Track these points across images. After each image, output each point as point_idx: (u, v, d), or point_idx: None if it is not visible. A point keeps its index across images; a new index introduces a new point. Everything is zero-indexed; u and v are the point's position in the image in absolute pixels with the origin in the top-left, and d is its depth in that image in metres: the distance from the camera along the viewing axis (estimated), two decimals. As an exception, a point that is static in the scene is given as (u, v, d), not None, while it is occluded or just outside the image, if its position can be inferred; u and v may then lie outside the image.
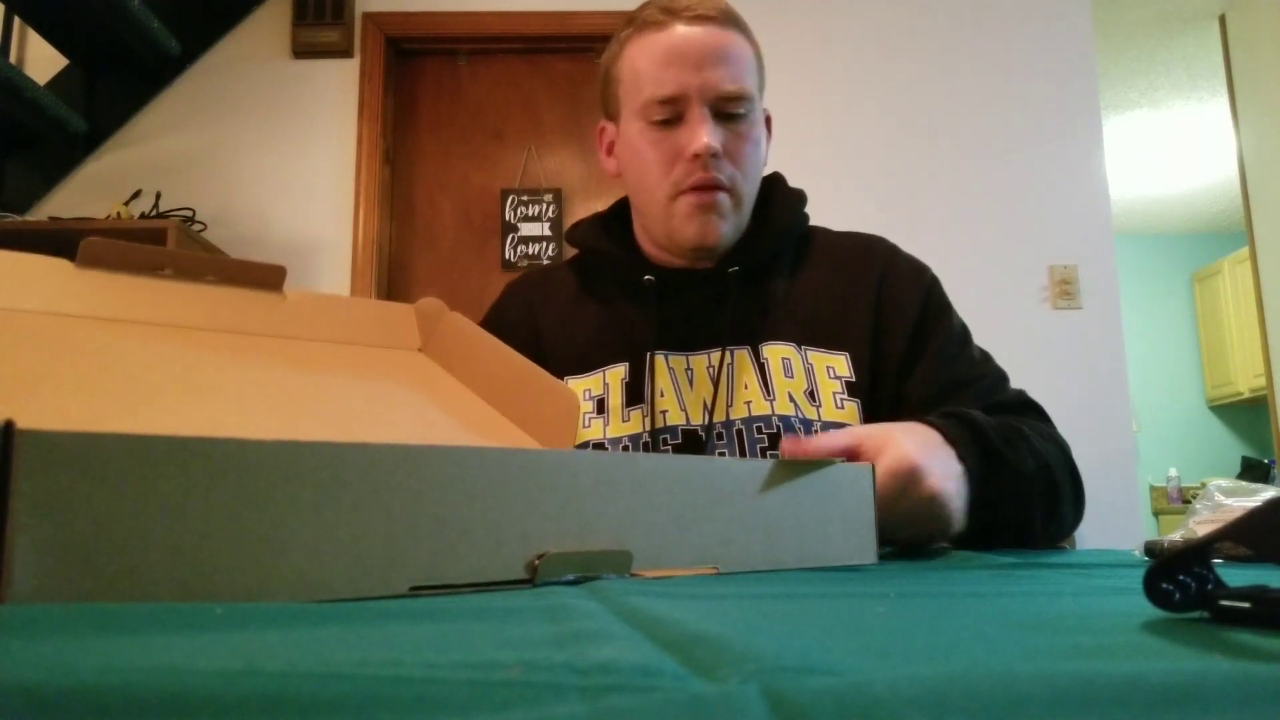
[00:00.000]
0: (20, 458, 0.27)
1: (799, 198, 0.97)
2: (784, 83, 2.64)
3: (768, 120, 0.96)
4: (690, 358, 0.89)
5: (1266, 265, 3.11)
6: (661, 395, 0.88)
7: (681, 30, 0.86)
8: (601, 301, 0.95)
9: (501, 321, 0.99)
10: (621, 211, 1.00)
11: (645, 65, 0.87)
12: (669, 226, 0.88)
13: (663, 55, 0.85)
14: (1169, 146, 4.58)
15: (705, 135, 0.83)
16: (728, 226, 0.88)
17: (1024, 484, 0.72)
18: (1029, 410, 0.85)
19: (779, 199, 0.95)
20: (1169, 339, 5.62)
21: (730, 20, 0.88)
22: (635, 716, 0.14)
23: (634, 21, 0.90)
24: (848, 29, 2.69)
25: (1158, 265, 5.69)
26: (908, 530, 0.63)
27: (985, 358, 0.91)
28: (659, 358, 0.89)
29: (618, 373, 0.90)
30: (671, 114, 0.85)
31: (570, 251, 1.03)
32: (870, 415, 0.87)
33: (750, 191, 0.90)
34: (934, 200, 2.60)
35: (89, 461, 0.28)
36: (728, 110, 0.86)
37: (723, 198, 0.86)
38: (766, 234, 0.93)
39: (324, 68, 2.65)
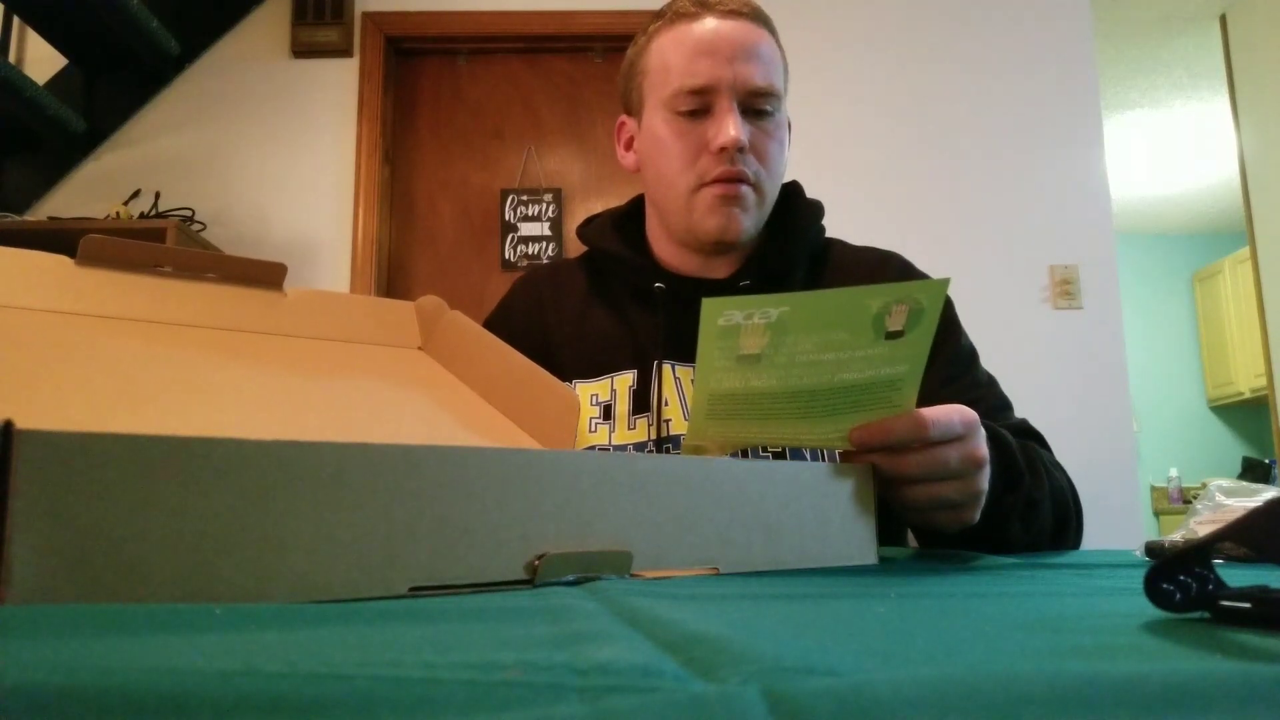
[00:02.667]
0: (20, 458, 0.27)
1: (817, 209, 0.95)
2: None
3: (789, 128, 0.95)
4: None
5: (1267, 265, 3.11)
6: (666, 404, 0.87)
7: (715, 23, 0.85)
8: (611, 305, 0.94)
9: (511, 317, 0.98)
10: (635, 211, 0.99)
11: (676, 56, 0.86)
12: (690, 220, 0.87)
13: (694, 46, 0.85)
14: (1169, 146, 4.58)
15: (733, 128, 0.82)
16: (749, 221, 0.87)
17: (1033, 511, 0.71)
18: (1030, 440, 0.82)
19: (797, 210, 0.94)
20: (1170, 339, 5.62)
21: (762, 18, 0.88)
22: (635, 717, 0.14)
23: (663, 15, 0.89)
24: (848, 30, 2.69)
25: (1158, 265, 5.69)
26: (947, 494, 0.58)
27: (991, 381, 0.89)
28: (666, 367, 0.88)
29: (626, 379, 0.89)
30: (700, 105, 0.85)
31: (575, 245, 1.03)
32: None
33: (772, 190, 0.89)
34: (935, 200, 2.60)
35: (89, 461, 0.28)
36: (756, 106, 0.85)
37: (746, 191, 0.85)
38: (782, 245, 0.91)
39: (323, 67, 2.65)
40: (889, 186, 2.60)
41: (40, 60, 2.58)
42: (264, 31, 2.67)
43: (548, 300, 0.98)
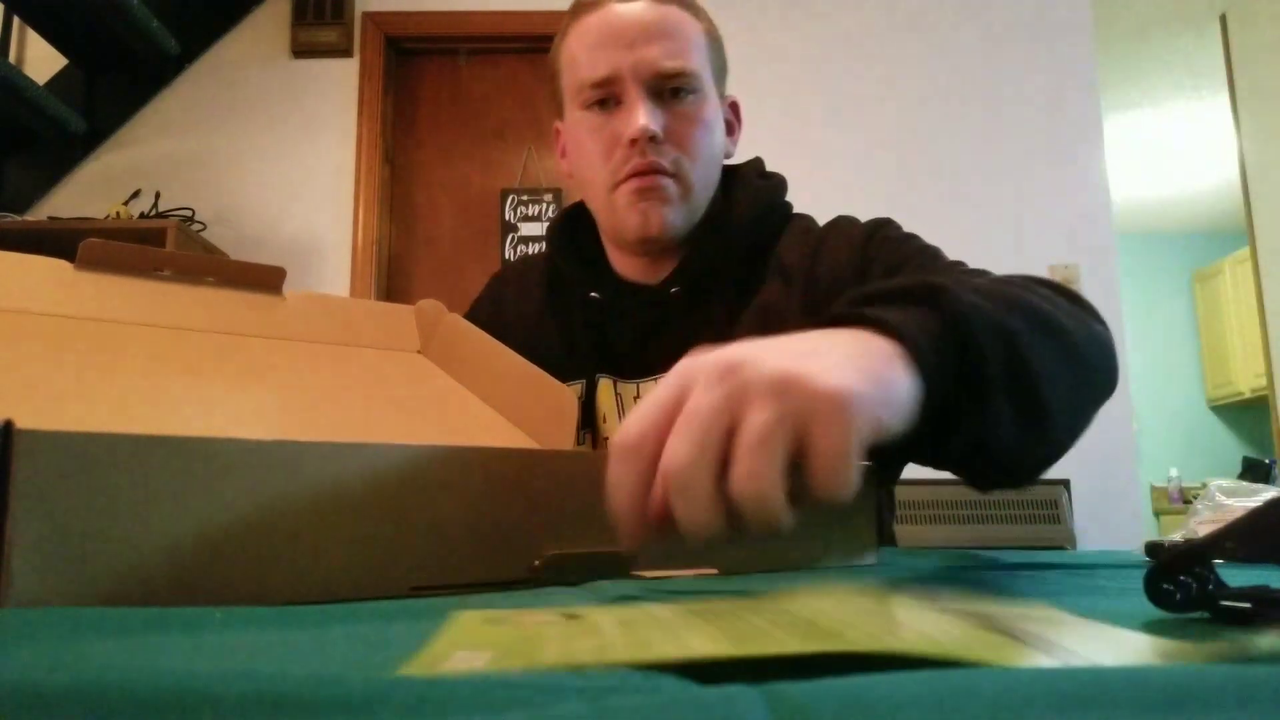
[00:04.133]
0: (20, 458, 0.27)
1: (762, 192, 0.85)
2: (781, 81, 2.64)
3: (735, 109, 0.88)
4: (640, 384, 0.83)
5: (1267, 265, 3.11)
6: (604, 420, 0.83)
7: (616, 9, 0.79)
8: (563, 311, 0.89)
9: (476, 316, 0.92)
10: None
11: (580, 50, 0.80)
12: (614, 219, 0.81)
13: (595, 36, 0.79)
14: (1169, 146, 4.58)
15: (642, 117, 0.76)
16: (673, 214, 0.79)
17: (1033, 379, 0.46)
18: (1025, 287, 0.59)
19: (732, 198, 0.84)
20: (1170, 339, 5.61)
21: None
22: (636, 717, 0.14)
23: (571, 10, 0.83)
24: (847, 29, 2.69)
25: (1158, 265, 5.68)
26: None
27: (936, 252, 0.80)
28: (604, 381, 0.84)
29: (575, 390, 0.84)
30: (607, 96, 0.79)
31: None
32: None
33: (701, 177, 0.81)
34: (935, 200, 2.60)
35: (89, 461, 0.28)
36: (670, 88, 0.78)
37: (666, 183, 0.78)
38: (718, 241, 0.82)
39: (324, 67, 2.65)
40: (888, 187, 2.60)
41: (40, 60, 2.58)
42: (264, 32, 2.67)
43: (509, 300, 0.93)
